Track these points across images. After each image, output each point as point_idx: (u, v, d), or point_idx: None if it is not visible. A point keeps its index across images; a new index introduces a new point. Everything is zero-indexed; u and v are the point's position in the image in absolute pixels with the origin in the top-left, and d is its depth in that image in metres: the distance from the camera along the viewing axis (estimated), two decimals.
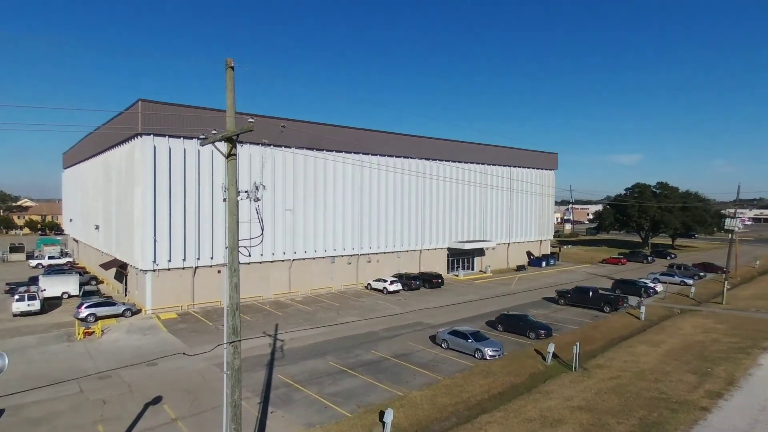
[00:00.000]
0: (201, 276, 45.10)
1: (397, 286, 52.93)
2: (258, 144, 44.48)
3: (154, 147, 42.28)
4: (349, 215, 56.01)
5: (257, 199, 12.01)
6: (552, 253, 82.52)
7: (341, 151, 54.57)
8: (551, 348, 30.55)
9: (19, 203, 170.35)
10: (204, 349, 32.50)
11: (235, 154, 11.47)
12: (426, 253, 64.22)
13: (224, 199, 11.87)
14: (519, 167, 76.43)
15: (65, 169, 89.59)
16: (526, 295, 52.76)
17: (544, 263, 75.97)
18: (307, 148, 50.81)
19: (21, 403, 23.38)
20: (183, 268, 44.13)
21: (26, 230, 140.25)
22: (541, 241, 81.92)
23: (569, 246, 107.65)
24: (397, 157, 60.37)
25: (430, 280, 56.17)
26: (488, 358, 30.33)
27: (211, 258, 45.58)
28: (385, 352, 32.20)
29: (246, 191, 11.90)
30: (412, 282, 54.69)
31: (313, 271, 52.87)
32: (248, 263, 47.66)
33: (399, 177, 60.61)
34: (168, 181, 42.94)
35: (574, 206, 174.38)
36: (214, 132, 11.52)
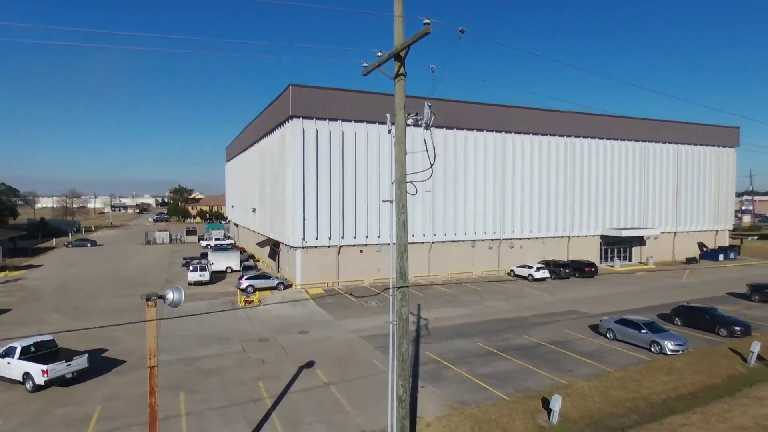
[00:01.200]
0: (344, 255, 46.26)
1: (544, 273, 48.77)
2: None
3: (303, 130, 44.23)
4: (491, 198, 53.14)
5: (427, 127, 10.56)
6: (732, 246, 69.70)
7: (482, 130, 51.95)
8: (756, 347, 24.74)
9: (192, 196, 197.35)
10: (349, 321, 33.07)
11: (403, 74, 10.16)
12: (575, 240, 58.47)
13: (390, 130, 10.65)
14: (689, 144, 65.74)
15: (227, 162, 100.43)
16: (703, 289, 44.78)
17: (721, 256, 64.35)
18: (446, 127, 49.17)
19: (195, 356, 25.50)
20: (328, 247, 45.66)
21: (197, 219, 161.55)
22: (717, 231, 69.72)
23: (754, 238, 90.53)
24: (543, 135, 55.76)
25: (582, 269, 50.78)
26: (669, 352, 25.64)
27: (354, 237, 46.49)
28: (538, 337, 29.24)
29: (416, 114, 10.52)
30: (561, 269, 49.96)
31: (452, 254, 51.20)
32: (387, 244, 47.79)
33: (545, 156, 55.94)
34: (315, 162, 44.67)
35: (755, 196, 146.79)
36: (380, 54, 10.33)
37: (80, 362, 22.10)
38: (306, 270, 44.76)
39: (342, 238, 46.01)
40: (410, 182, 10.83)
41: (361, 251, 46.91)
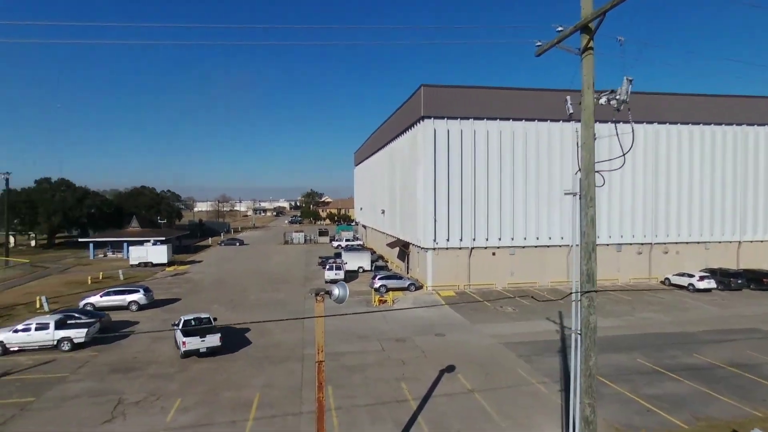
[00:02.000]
0: (476, 257, 44.87)
1: (709, 283, 42.26)
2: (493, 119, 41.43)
3: (434, 130, 43.89)
4: (641, 196, 47.72)
5: (619, 107, 9.16)
6: None
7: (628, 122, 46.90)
8: None
9: (322, 200, 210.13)
10: (485, 326, 31.73)
11: (591, 48, 8.92)
12: (747, 246, 50.00)
13: (570, 113, 9.46)
14: None
15: (356, 165, 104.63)
16: None
17: None
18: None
19: (339, 352, 26.28)
20: (460, 248, 44.67)
21: (327, 221, 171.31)
22: None
23: None
24: (705, 124, 48.65)
25: (759, 279, 43.09)
26: None
27: (486, 239, 44.89)
28: (713, 357, 25.07)
29: (610, 92, 9.18)
30: (732, 279, 42.89)
31: None
32: (523, 247, 45.41)
33: (708, 148, 48.74)
34: (447, 162, 44.05)
35: None
36: (560, 29, 9.19)
37: (213, 340, 25.64)
38: (437, 271, 44.28)
39: (474, 239, 44.70)
40: (599, 172, 9.49)
41: (494, 254, 45.12)
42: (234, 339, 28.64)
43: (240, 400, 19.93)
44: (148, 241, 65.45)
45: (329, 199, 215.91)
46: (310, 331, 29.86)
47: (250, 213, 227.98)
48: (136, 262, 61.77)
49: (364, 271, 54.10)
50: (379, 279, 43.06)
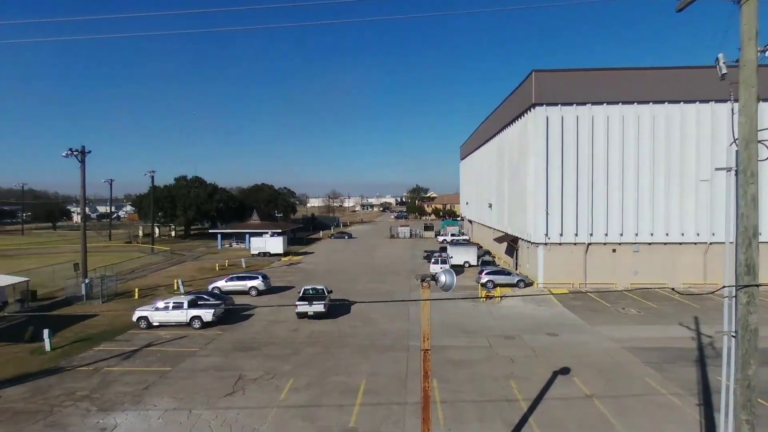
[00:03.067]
0: (593, 254, 41.46)
1: None
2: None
3: (547, 117, 41.28)
4: None
5: None
6: None
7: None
8: None
9: (427, 195, 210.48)
10: (605, 329, 29.05)
11: None
12: None
13: (722, 74, 7.94)
14: None
15: (462, 159, 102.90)
16: None
17: None
18: None
19: (444, 345, 25.78)
20: (575, 244, 41.59)
21: (432, 216, 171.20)
22: None
23: None
24: None
25: None
26: None
27: (605, 235, 41.25)
28: None
29: None
30: None
31: None
32: (649, 243, 41.02)
33: None
34: (560, 152, 41.23)
35: None
36: None
37: (319, 307, 30.91)
38: (549, 268, 41.71)
39: (591, 234, 41.34)
40: (761, 142, 7.84)
41: (614, 250, 41.34)
42: (344, 326, 29.52)
43: (347, 386, 20.35)
44: (267, 233, 70.49)
45: (434, 195, 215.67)
46: (415, 322, 29.75)
47: (358, 208, 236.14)
48: (256, 252, 66.89)
49: (469, 266, 52.90)
50: (485, 274, 41.71)
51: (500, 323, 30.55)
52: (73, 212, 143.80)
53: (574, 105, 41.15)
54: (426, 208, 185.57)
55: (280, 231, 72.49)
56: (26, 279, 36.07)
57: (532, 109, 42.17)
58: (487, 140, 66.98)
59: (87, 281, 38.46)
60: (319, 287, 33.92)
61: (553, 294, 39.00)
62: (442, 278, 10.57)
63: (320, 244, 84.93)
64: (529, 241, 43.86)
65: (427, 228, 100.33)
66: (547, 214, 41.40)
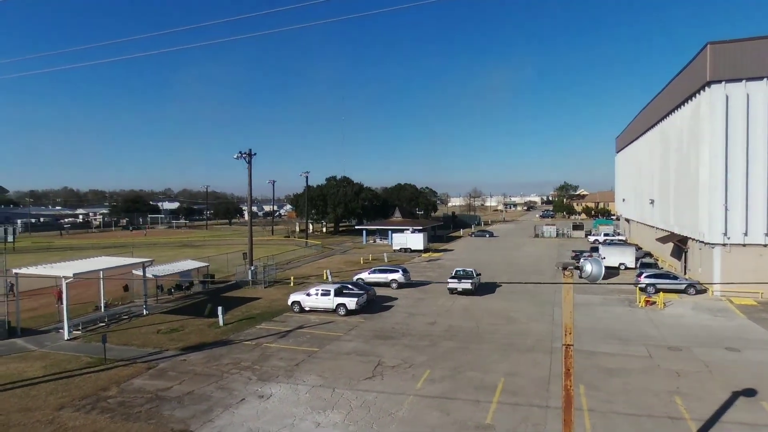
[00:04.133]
0: None
1: None
2: None
3: (726, 96, 35.20)
4: None
5: None
6: None
7: None
8: None
9: (577, 193, 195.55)
10: None
11: None
12: None
13: None
14: None
15: (617, 152, 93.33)
16: None
17: None
18: None
19: (593, 351, 23.57)
20: (765, 245, 34.79)
21: (582, 215, 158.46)
22: None
23: None
24: None
25: None
26: None
27: None
28: None
29: None
30: None
31: None
32: None
33: None
34: (744, 136, 34.83)
35: None
36: None
37: (466, 285, 36.26)
38: (728, 273, 35.51)
39: None
40: None
41: None
42: (483, 322, 28.80)
43: (484, 382, 19.75)
44: (408, 229, 72.29)
45: (585, 192, 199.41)
46: (560, 324, 27.68)
47: (500, 207, 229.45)
48: (398, 248, 69.01)
49: (626, 268, 47.65)
50: (645, 277, 37.14)
51: (663, 332, 26.88)
52: (245, 210, 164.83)
53: (765, 79, 34.38)
54: (575, 207, 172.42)
55: (420, 228, 73.78)
56: (207, 264, 42.22)
57: (706, 88, 36.31)
58: (649, 128, 59.59)
59: (252, 269, 43.60)
60: (468, 269, 39.48)
61: (733, 303, 33.15)
62: (588, 267, 9.58)
63: (460, 242, 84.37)
64: (703, 242, 37.85)
65: (576, 227, 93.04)
66: (726, 209, 35.31)
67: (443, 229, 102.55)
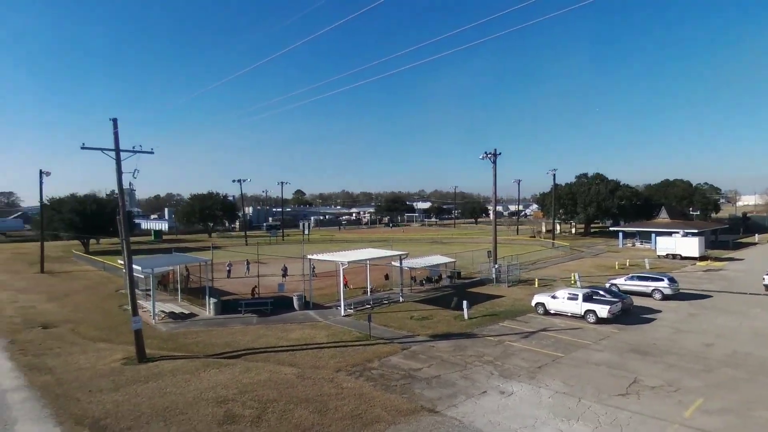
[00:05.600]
0: None
1: None
2: None
3: None
4: None
5: None
6: None
7: None
8: None
9: None
10: None
11: None
12: None
13: None
14: None
15: None
16: None
17: None
18: None
19: None
20: None
21: None
22: None
23: None
24: None
25: None
26: None
27: None
28: None
29: None
30: None
31: None
32: None
33: None
34: None
35: None
36: None
37: None
38: None
39: None
40: None
41: None
42: None
43: None
44: (678, 232, 61.69)
45: None
46: None
47: None
48: (663, 253, 59.62)
49: None
50: None
51: None
52: (490, 209, 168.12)
53: None
54: None
55: (695, 231, 62.09)
56: (454, 260, 44.79)
57: None
58: None
59: (496, 267, 44.19)
60: None
61: None
62: None
63: (753, 250, 67.46)
64: None
65: None
66: None
67: (729, 233, 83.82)
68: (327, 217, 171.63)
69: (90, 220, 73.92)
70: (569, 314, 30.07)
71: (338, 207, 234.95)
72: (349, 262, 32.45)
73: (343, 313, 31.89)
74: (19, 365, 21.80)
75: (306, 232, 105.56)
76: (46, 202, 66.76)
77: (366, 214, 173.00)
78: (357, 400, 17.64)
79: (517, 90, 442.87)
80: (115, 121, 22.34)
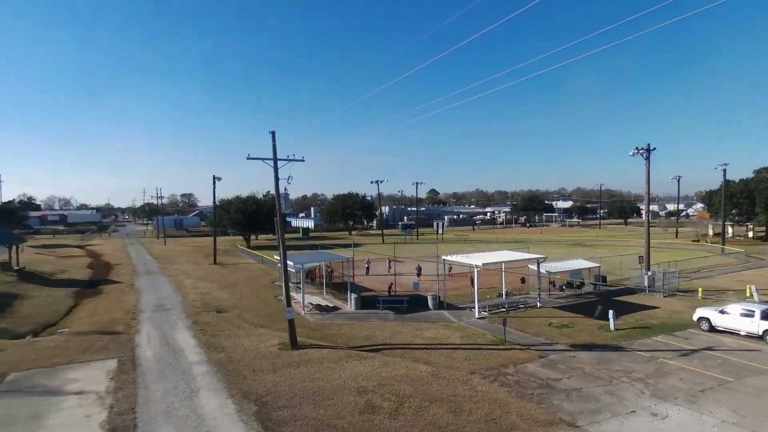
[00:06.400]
0: None
1: None
2: None
3: None
4: None
5: None
6: None
7: None
8: None
9: None
10: None
11: None
12: None
13: None
14: None
15: None
16: None
17: None
18: None
19: None
20: None
21: None
22: None
23: None
24: None
25: None
26: None
27: None
28: None
29: None
30: None
31: None
32: None
33: None
34: None
35: None
36: None
37: None
38: None
39: None
40: None
41: None
42: None
43: None
44: None
45: None
46: None
47: None
48: None
49: None
50: None
51: None
52: (642, 209, 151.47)
53: None
54: None
55: None
56: (598, 265, 41.51)
57: None
58: None
59: (649, 274, 39.89)
60: None
61: None
62: None
63: None
64: None
65: None
66: None
67: None
68: (461, 216, 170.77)
69: (250, 218, 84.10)
70: (742, 333, 26.04)
71: (472, 206, 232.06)
72: (483, 264, 32.18)
73: (477, 315, 31.73)
74: (200, 343, 25.83)
75: (440, 231, 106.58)
76: (217, 203, 77.52)
77: (501, 214, 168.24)
78: (491, 404, 17.54)
79: (673, 80, 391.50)
80: (273, 134, 25.15)
